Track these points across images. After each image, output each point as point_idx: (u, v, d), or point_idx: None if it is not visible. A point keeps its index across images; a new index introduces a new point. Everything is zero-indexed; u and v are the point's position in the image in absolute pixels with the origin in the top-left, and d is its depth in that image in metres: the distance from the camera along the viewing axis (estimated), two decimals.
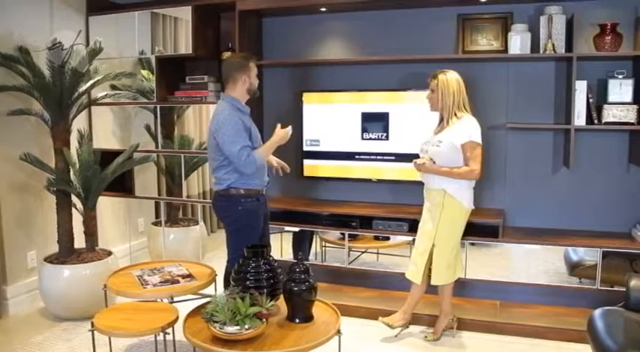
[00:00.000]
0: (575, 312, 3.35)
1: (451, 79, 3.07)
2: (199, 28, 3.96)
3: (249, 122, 3.03)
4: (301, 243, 4.11)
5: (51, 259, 3.65)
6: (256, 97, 3.17)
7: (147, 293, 2.92)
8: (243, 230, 3.02)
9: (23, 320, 3.64)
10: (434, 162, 3.09)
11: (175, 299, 3.00)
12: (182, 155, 4.30)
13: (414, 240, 3.35)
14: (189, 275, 3.11)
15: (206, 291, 3.12)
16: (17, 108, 3.63)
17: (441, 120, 3.16)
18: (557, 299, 3.49)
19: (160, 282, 3.00)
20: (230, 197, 3.01)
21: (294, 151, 4.06)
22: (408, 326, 3.36)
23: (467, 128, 3.04)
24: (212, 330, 2.30)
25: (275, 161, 3.34)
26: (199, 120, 4.67)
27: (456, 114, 3.07)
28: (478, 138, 3.05)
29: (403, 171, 3.72)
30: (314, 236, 4.11)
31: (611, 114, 3.18)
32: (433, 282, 3.19)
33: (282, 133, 3.10)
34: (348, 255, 3.84)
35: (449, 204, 3.09)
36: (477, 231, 3.40)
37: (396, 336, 3.31)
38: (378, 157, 3.83)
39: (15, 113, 3.60)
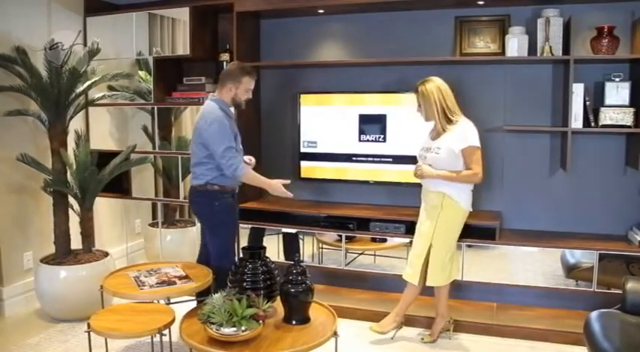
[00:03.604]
0: (572, 315, 3.35)
1: (430, 88, 3.05)
2: (197, 29, 3.96)
3: (234, 126, 3.13)
4: (291, 245, 4.08)
5: (47, 260, 3.64)
6: (240, 108, 3.21)
7: (143, 294, 2.91)
8: (219, 226, 3.15)
9: (19, 322, 3.63)
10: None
11: (172, 300, 2.99)
12: (179, 156, 4.29)
13: (411, 241, 3.35)
14: (186, 277, 3.10)
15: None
16: (14, 108, 3.63)
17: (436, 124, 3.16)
18: (553, 301, 3.50)
19: (157, 283, 2.99)
20: (207, 192, 3.10)
21: (291, 153, 4.07)
22: (401, 327, 3.35)
23: (465, 133, 3.04)
24: (209, 332, 2.29)
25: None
26: None
27: (450, 120, 3.07)
28: (477, 142, 3.05)
29: (400, 173, 3.72)
30: (298, 237, 4.06)
31: (608, 117, 3.19)
32: (428, 283, 3.19)
33: (277, 188, 3.11)
34: (345, 257, 3.84)
35: (447, 205, 3.09)
36: (474, 233, 3.40)
37: (392, 338, 3.31)
38: (376, 159, 3.84)
39: (12, 114, 3.60)
